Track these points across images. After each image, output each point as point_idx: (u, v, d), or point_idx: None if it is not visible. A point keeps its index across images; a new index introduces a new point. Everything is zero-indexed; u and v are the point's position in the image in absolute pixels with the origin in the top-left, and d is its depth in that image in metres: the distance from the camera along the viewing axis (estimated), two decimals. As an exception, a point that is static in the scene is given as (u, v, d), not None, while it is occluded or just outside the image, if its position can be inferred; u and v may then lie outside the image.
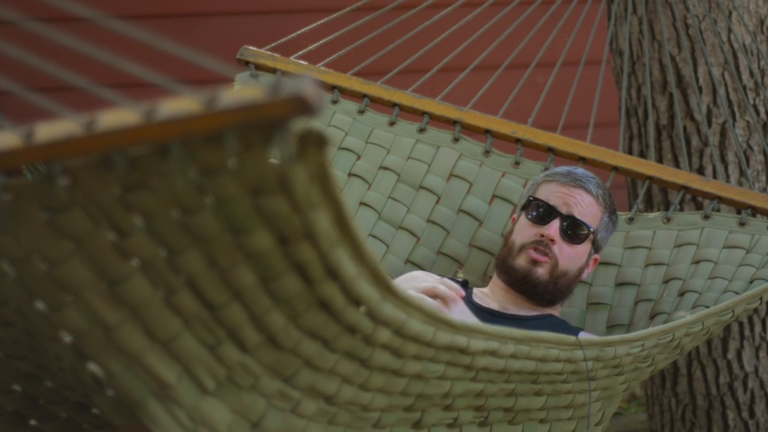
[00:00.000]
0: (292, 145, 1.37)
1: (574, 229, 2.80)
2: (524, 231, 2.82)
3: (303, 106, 1.28)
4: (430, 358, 1.91)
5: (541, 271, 2.77)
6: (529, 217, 2.82)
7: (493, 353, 2.01)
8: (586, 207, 2.82)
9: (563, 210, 2.80)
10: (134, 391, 1.69)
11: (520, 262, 2.79)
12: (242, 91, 1.30)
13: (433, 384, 2.00)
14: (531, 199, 2.85)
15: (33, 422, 2.22)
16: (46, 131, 1.39)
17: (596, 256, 2.86)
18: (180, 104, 1.32)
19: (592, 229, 2.81)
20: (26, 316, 1.76)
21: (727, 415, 3.60)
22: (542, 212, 2.81)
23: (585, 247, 2.82)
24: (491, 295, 2.83)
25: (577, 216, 2.80)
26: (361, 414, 1.96)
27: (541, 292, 2.78)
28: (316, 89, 1.29)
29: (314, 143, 1.39)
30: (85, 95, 1.45)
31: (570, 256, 2.79)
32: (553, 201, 2.82)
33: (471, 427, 2.22)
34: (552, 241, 2.77)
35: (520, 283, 2.79)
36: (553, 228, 2.78)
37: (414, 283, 2.87)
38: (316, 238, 1.51)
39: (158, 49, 1.34)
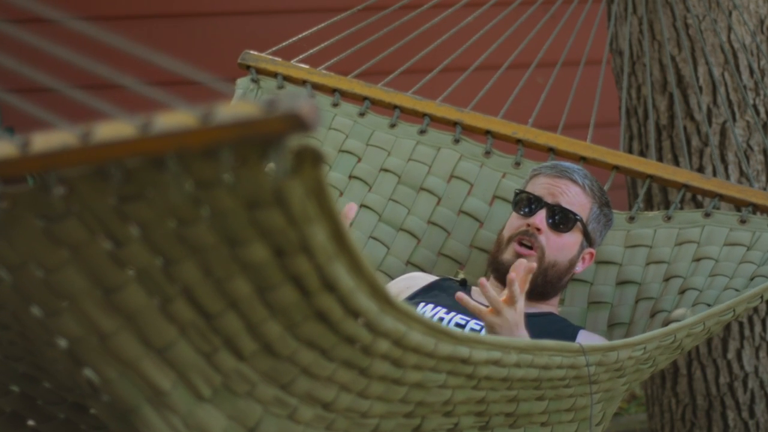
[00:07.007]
0: (288, 161, 1.37)
1: (560, 218, 2.80)
2: (512, 224, 2.83)
3: (299, 123, 1.27)
4: (431, 368, 1.91)
5: None
6: (517, 210, 2.83)
7: (495, 363, 2.00)
8: (572, 196, 2.82)
9: (549, 200, 2.81)
10: (129, 398, 1.68)
11: (507, 256, 2.79)
12: (238, 106, 1.29)
13: (434, 392, 1.99)
14: (518, 192, 2.86)
15: (31, 423, 2.21)
16: (42, 142, 1.38)
17: (591, 250, 2.86)
18: (175, 118, 1.31)
19: (578, 217, 2.81)
20: (22, 320, 1.76)
21: (727, 415, 3.60)
22: (529, 204, 2.82)
23: (573, 237, 2.81)
24: (489, 293, 2.83)
25: (564, 205, 2.80)
26: (360, 420, 1.96)
27: (530, 285, 2.77)
28: (312, 106, 1.28)
29: (310, 159, 1.38)
30: (81, 104, 1.44)
31: (557, 245, 2.79)
32: (539, 192, 2.83)
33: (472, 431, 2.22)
34: (538, 230, 2.78)
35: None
36: (539, 217, 2.79)
37: (411, 282, 2.88)
38: (313, 252, 1.50)
39: (154, 61, 1.33)
